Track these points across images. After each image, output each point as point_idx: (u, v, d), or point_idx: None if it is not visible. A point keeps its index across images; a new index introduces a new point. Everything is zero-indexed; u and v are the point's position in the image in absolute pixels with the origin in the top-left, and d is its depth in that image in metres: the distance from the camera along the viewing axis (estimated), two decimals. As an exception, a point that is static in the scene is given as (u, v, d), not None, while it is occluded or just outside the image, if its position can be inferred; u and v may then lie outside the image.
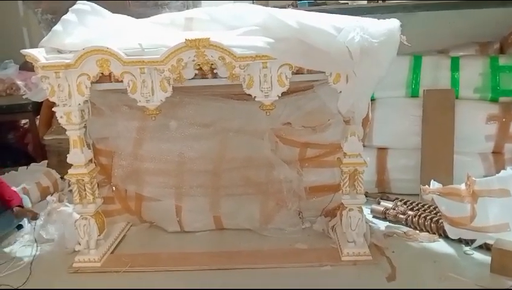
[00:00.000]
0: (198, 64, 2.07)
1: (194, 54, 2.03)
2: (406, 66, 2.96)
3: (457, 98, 2.87)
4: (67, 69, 2.10)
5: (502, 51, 3.24)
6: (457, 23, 3.36)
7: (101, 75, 2.13)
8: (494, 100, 2.89)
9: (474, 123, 2.85)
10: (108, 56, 2.08)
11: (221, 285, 2.13)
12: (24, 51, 2.15)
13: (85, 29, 2.26)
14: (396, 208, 2.66)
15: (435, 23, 3.36)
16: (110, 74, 2.13)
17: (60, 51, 2.23)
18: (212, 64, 2.06)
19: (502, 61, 2.90)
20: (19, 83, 4.00)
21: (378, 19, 2.04)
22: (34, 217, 2.59)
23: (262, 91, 2.11)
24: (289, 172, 2.60)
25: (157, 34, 2.30)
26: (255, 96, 2.13)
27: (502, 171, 2.33)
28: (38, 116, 3.67)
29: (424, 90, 2.90)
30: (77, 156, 2.26)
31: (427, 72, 2.94)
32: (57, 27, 2.24)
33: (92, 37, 2.19)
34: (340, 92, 2.09)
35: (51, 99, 2.19)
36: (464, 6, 3.24)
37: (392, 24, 1.97)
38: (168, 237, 2.62)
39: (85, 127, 2.32)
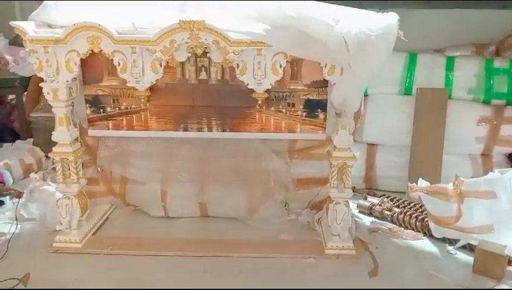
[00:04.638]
0: (192, 48, 2.03)
1: (187, 36, 1.99)
2: (401, 63, 2.95)
3: (450, 98, 2.88)
4: (56, 44, 2.05)
5: (497, 53, 3.24)
6: (455, 22, 3.35)
7: (91, 51, 2.08)
8: (486, 102, 2.89)
9: (466, 124, 2.86)
10: (100, 33, 2.03)
11: (203, 272, 2.11)
12: (13, 23, 2.08)
13: (77, 5, 2.20)
14: (383, 204, 2.66)
15: (433, 21, 3.34)
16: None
17: (50, 26, 2.17)
18: (205, 48, 2.03)
19: (497, 63, 2.91)
20: (8, 57, 3.90)
21: (377, 13, 2.02)
22: (18, 195, 2.55)
23: (255, 78, 2.08)
24: (277, 163, 2.59)
25: (151, 14, 2.25)
26: (247, 84, 2.11)
27: (490, 173, 2.33)
28: (26, 93, 3.60)
29: (417, 88, 2.89)
30: (62, 134, 2.21)
31: (421, 71, 2.93)
32: (48, 1, 2.17)
33: (83, 13, 2.13)
34: (334, 84, 2.07)
35: (39, 75, 2.14)
36: (464, 6, 3.23)
37: (390, 18, 1.94)
38: (151, 222, 2.59)
39: (72, 105, 2.27)
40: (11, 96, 3.85)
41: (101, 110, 2.38)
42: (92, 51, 2.07)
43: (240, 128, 2.39)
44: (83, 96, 2.36)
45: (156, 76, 2.10)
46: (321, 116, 2.34)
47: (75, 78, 2.17)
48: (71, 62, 2.09)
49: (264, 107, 2.35)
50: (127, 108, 2.38)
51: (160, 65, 2.08)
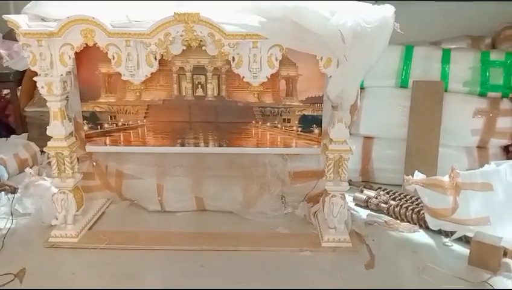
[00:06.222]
0: (187, 40, 2.02)
1: (182, 28, 1.98)
2: (397, 56, 2.94)
3: (446, 90, 2.87)
4: (50, 37, 2.03)
5: (493, 46, 3.24)
6: (451, 15, 3.36)
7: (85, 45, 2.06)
8: (482, 95, 2.89)
9: (462, 117, 2.86)
10: (94, 26, 2.01)
11: (200, 266, 2.11)
12: (6, 17, 2.06)
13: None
14: (379, 197, 2.66)
15: (429, 14, 3.34)
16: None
17: (44, 19, 2.15)
18: (201, 40, 2.01)
19: (493, 56, 2.90)
20: (2, 52, 3.87)
21: (373, 5, 2.01)
22: (13, 190, 2.54)
23: (251, 71, 2.07)
24: (274, 156, 2.58)
25: (146, 7, 2.23)
26: (243, 76, 2.10)
27: (486, 165, 2.33)
28: (20, 87, 3.57)
29: (413, 81, 2.89)
30: (57, 128, 2.20)
31: (417, 63, 2.93)
32: (41, -6, 2.16)
33: (77, 6, 2.11)
34: (330, 77, 2.06)
35: (32, 69, 2.12)
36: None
37: (386, 10, 1.94)
38: (148, 216, 2.59)
39: (67, 99, 2.26)
40: (5, 91, 3.82)
41: (99, 127, 2.40)
42: (86, 44, 2.06)
43: (236, 143, 2.42)
44: (78, 90, 2.35)
45: (151, 69, 2.09)
46: (316, 131, 2.38)
47: (69, 72, 2.15)
48: (65, 56, 2.08)
49: (260, 123, 2.38)
50: (124, 124, 2.40)
51: (155, 58, 2.07)
